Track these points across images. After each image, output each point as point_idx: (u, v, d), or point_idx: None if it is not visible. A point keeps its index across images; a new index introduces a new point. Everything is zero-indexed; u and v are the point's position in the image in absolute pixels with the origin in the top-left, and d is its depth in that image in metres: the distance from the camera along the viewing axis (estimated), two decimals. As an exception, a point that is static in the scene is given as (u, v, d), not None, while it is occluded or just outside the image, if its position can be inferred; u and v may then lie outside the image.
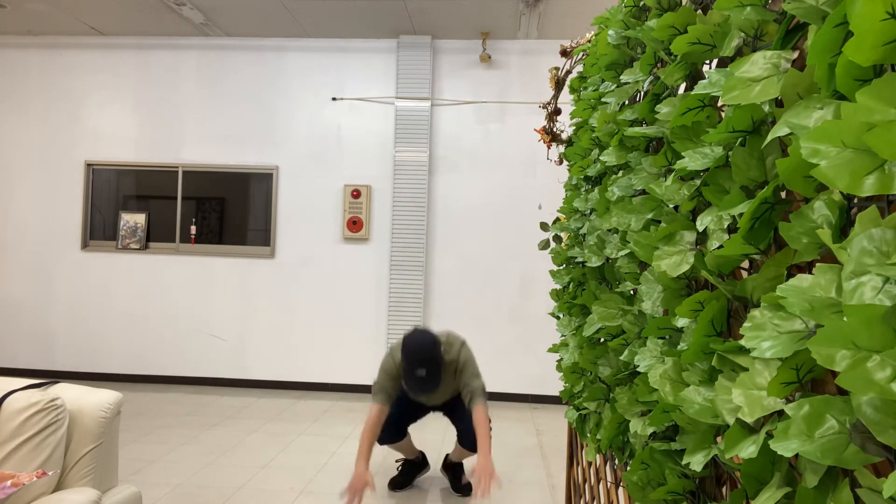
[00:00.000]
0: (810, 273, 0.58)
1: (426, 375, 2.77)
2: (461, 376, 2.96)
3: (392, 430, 3.19)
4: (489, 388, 5.52)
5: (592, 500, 2.08)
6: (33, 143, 5.94)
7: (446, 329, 3.16)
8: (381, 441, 3.17)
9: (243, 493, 3.27)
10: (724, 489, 0.90)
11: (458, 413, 3.22)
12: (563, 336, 2.01)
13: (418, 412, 3.34)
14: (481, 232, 5.65)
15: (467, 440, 3.11)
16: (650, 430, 1.02)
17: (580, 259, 1.71)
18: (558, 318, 2.16)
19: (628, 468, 1.06)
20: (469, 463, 3.45)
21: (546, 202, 5.56)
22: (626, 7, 1.36)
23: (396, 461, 3.53)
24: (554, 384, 5.44)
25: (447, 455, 3.48)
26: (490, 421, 2.92)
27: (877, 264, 0.48)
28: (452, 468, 3.43)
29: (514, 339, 5.58)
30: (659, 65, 1.19)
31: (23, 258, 5.91)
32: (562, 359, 1.99)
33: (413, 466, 3.47)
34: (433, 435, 4.21)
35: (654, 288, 1.05)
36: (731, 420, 0.69)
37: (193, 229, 5.85)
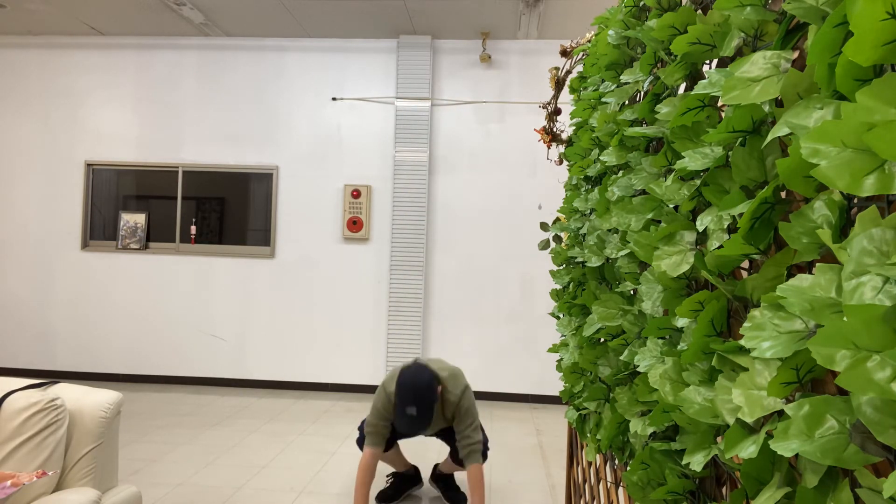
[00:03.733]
0: (810, 273, 0.58)
1: (416, 415, 2.55)
2: (459, 424, 2.77)
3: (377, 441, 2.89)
4: (489, 389, 5.56)
5: (592, 500, 2.08)
6: (33, 143, 5.94)
7: (453, 366, 2.92)
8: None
9: (243, 493, 3.27)
10: (724, 489, 0.90)
11: (452, 438, 2.99)
12: (563, 336, 2.01)
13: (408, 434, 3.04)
14: (481, 232, 5.65)
15: (459, 460, 2.91)
16: (650, 430, 1.02)
17: (580, 259, 1.71)
18: (558, 318, 2.16)
19: (628, 468, 1.06)
20: (460, 476, 3.39)
21: (546, 202, 5.56)
22: (626, 7, 1.36)
23: (387, 476, 3.34)
24: (554, 384, 5.44)
25: (436, 465, 3.34)
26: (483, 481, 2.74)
27: (877, 264, 0.48)
28: (444, 479, 3.28)
29: (514, 339, 5.58)
30: (659, 65, 1.19)
31: (23, 258, 5.91)
32: (562, 359, 1.99)
33: (404, 480, 3.29)
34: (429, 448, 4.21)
35: (654, 288, 1.05)
36: (731, 420, 0.69)
37: (193, 229, 5.85)
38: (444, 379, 2.79)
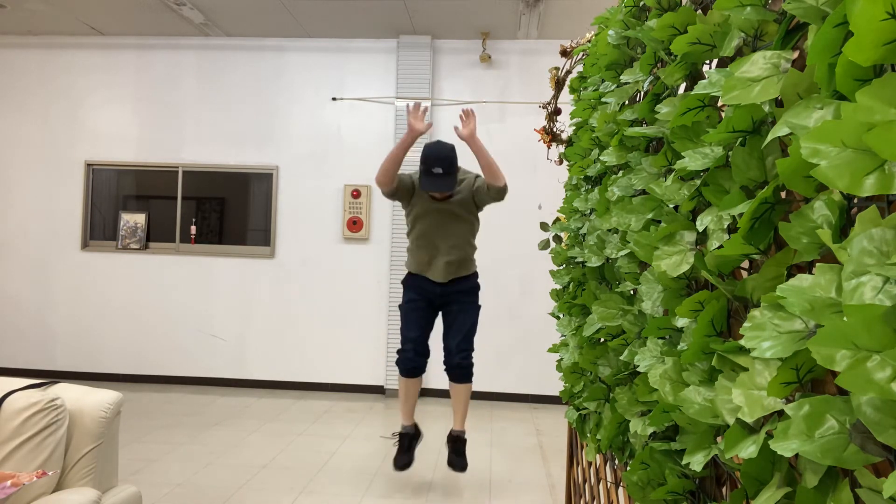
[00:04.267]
0: (810, 273, 0.58)
1: (443, 173, 3.01)
2: (478, 191, 3.24)
3: (415, 335, 3.26)
4: (489, 388, 5.55)
5: (592, 500, 2.08)
6: (33, 143, 5.94)
7: None
8: (407, 362, 3.26)
9: (243, 493, 3.27)
10: (724, 489, 0.91)
11: (456, 324, 3.32)
12: (563, 336, 2.01)
13: (430, 311, 3.40)
14: (481, 231, 5.63)
15: (452, 358, 3.26)
16: (650, 430, 1.02)
17: (580, 259, 1.71)
18: (558, 318, 2.16)
19: (628, 468, 1.06)
20: (479, 456, 3.48)
21: (546, 202, 5.56)
22: (626, 7, 1.36)
23: (392, 434, 3.54)
24: (554, 384, 5.43)
25: (451, 430, 3.50)
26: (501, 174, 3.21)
27: (877, 264, 0.48)
28: (454, 441, 3.44)
29: (514, 339, 5.58)
30: (659, 65, 1.19)
31: (23, 258, 5.91)
32: (562, 359, 1.99)
33: (410, 439, 3.47)
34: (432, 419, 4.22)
35: (654, 288, 1.05)
36: (731, 420, 0.69)
37: (193, 229, 5.85)
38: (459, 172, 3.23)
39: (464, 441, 3.44)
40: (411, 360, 3.28)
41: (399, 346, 3.34)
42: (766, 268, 0.72)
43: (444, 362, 3.34)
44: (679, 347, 0.93)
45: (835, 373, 0.59)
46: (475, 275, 3.48)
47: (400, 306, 3.44)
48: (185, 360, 5.80)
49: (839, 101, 0.57)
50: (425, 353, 3.35)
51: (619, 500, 1.64)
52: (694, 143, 0.90)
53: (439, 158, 3.03)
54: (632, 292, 1.34)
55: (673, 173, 0.99)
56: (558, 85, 2.73)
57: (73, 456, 1.90)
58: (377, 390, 5.66)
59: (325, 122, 5.77)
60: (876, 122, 0.46)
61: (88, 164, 5.91)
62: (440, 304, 3.41)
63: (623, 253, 1.27)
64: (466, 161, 3.43)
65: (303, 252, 5.75)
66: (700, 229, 0.85)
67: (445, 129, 5.68)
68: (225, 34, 5.77)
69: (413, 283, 3.44)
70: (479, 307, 3.42)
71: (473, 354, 3.31)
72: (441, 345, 3.38)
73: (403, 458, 3.40)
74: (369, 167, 5.74)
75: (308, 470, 3.65)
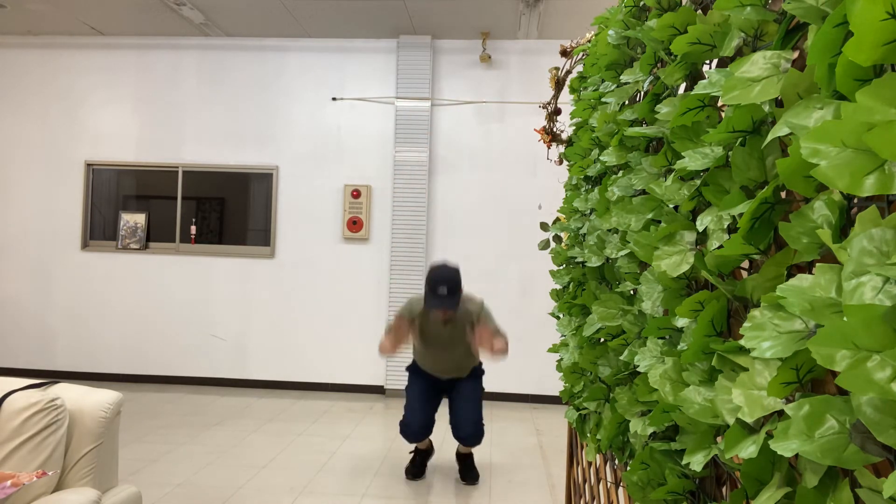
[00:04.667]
0: (810, 273, 0.58)
1: (447, 293, 3.09)
2: (485, 322, 3.28)
3: (419, 419, 3.40)
4: (489, 389, 5.54)
5: (592, 500, 2.08)
6: (33, 143, 5.94)
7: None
8: (410, 437, 3.43)
9: (243, 493, 3.27)
10: (724, 489, 0.91)
11: (460, 400, 3.46)
12: (563, 336, 2.01)
13: (435, 393, 3.53)
14: (481, 232, 5.65)
15: (461, 430, 3.40)
16: (650, 430, 1.02)
17: (580, 259, 1.71)
18: (558, 318, 2.16)
19: (628, 468, 1.06)
20: (479, 456, 3.65)
21: (546, 202, 5.56)
22: (626, 7, 1.36)
23: (410, 452, 3.68)
24: (554, 384, 5.43)
25: (458, 450, 3.65)
26: (506, 344, 3.28)
27: (877, 264, 0.48)
28: (463, 458, 3.60)
29: (514, 339, 5.55)
30: (659, 65, 1.19)
31: (23, 258, 5.91)
32: (562, 359, 1.99)
33: (425, 455, 3.65)
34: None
35: (654, 288, 1.05)
36: (731, 420, 0.69)
37: (193, 229, 5.85)
38: (462, 298, 3.25)
39: (472, 455, 3.59)
40: (415, 435, 3.45)
41: (403, 417, 3.47)
42: (766, 268, 0.72)
43: (454, 435, 3.46)
44: (679, 347, 0.93)
45: (835, 373, 0.59)
46: (479, 364, 3.64)
47: (406, 389, 3.59)
48: (185, 360, 5.80)
49: (839, 101, 0.57)
50: (430, 429, 3.50)
51: (619, 500, 1.64)
52: (694, 143, 0.90)
53: (444, 280, 3.13)
54: (632, 292, 1.34)
55: (673, 173, 0.99)
56: (558, 85, 2.73)
57: (73, 456, 1.90)
58: (377, 390, 5.66)
59: (325, 122, 5.77)
60: (876, 122, 0.46)
61: (88, 164, 5.91)
62: (445, 387, 3.56)
63: (623, 253, 1.27)
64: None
65: (303, 252, 5.75)
66: (700, 229, 0.85)
67: (446, 129, 5.69)
68: (225, 34, 5.77)
69: (418, 370, 3.59)
70: (482, 384, 3.62)
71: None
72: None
73: (415, 470, 3.57)
74: (369, 167, 5.75)
75: (308, 470, 3.65)
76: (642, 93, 1.32)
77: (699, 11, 1.00)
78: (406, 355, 5.55)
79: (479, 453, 3.99)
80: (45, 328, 5.89)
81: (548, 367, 5.47)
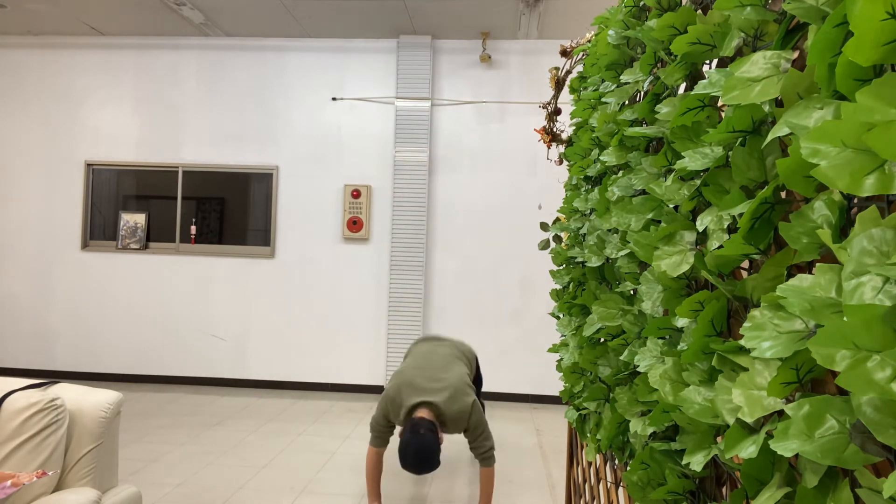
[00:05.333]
0: (810, 273, 0.58)
1: (419, 472, 2.71)
2: (471, 435, 2.89)
3: None
4: (489, 389, 5.55)
5: (592, 500, 2.08)
6: (33, 143, 5.94)
7: (458, 374, 2.95)
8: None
9: (243, 493, 3.27)
10: (724, 489, 0.90)
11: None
12: (563, 336, 2.01)
13: None
14: (481, 232, 5.65)
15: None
16: (650, 430, 1.02)
17: (580, 259, 1.71)
18: (558, 318, 2.16)
19: (628, 468, 1.06)
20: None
21: (546, 202, 5.56)
22: (626, 7, 1.36)
23: None
24: (554, 384, 5.44)
25: None
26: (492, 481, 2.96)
27: (877, 264, 0.48)
28: None
29: (514, 339, 5.58)
30: (659, 65, 1.19)
31: (23, 258, 5.91)
32: (562, 359, 1.99)
33: None
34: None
35: (654, 288, 1.05)
36: (731, 420, 0.69)
37: (193, 229, 5.85)
38: (444, 410, 2.78)
39: None
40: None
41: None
42: (766, 268, 0.72)
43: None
44: (679, 347, 0.93)
45: (835, 373, 0.59)
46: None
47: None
48: (185, 360, 5.80)
49: (839, 101, 0.57)
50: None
51: (619, 500, 1.64)
52: (694, 143, 0.90)
53: (416, 464, 2.66)
54: (632, 292, 1.34)
55: (673, 173, 0.99)
56: (558, 85, 2.73)
57: (73, 456, 1.90)
58: (377, 390, 5.66)
59: (325, 122, 5.77)
60: (876, 122, 0.46)
61: (88, 164, 5.91)
62: None
63: (623, 253, 1.26)
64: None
65: (303, 252, 5.75)
66: (700, 229, 0.85)
67: (446, 129, 5.69)
68: (225, 34, 5.77)
69: None
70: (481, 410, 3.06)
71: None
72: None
73: None
74: (369, 167, 5.75)
75: (308, 470, 3.65)
76: (642, 93, 1.32)
77: (699, 11, 1.00)
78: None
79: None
80: (45, 328, 5.89)
81: (548, 367, 5.48)
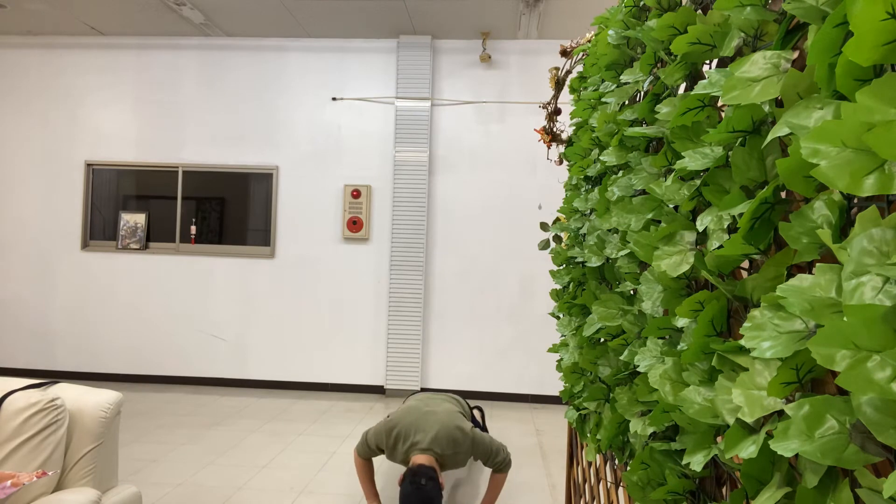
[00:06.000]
0: (810, 273, 0.58)
1: None
2: (483, 458, 2.90)
3: None
4: (489, 389, 5.56)
5: (592, 500, 2.08)
6: (33, 143, 5.94)
7: (453, 418, 2.88)
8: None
9: (243, 493, 3.27)
10: (724, 489, 0.90)
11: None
12: (563, 336, 2.01)
13: None
14: (481, 232, 5.65)
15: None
16: (650, 430, 1.02)
17: (580, 259, 1.71)
18: (558, 318, 2.16)
19: (628, 468, 1.06)
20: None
21: (546, 202, 5.56)
22: (626, 7, 1.36)
23: None
24: (554, 384, 5.44)
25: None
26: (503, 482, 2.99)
27: (877, 264, 0.48)
28: None
29: (514, 339, 5.58)
30: (659, 65, 1.19)
31: (23, 258, 5.91)
32: (562, 359, 1.99)
33: None
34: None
35: (654, 288, 1.05)
36: (731, 420, 0.69)
37: (193, 229, 5.85)
38: (442, 452, 2.76)
39: None
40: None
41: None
42: (766, 268, 0.72)
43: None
44: (679, 347, 0.93)
45: (835, 373, 0.59)
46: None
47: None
48: (185, 360, 5.80)
49: (839, 101, 0.57)
50: None
51: (619, 500, 1.64)
52: (694, 143, 0.90)
53: None
54: (632, 292, 1.34)
55: (673, 173, 0.99)
56: (558, 85, 2.73)
57: (73, 456, 1.90)
58: (377, 390, 5.66)
59: (325, 122, 5.77)
60: (876, 122, 0.46)
61: (88, 164, 5.91)
62: None
63: (623, 253, 1.26)
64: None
65: (303, 252, 5.75)
66: (700, 229, 0.85)
67: (446, 129, 5.69)
68: (225, 34, 5.77)
69: None
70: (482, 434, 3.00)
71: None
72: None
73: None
74: (369, 167, 5.75)
75: (308, 470, 3.65)
76: (642, 93, 1.32)
77: (699, 11, 1.00)
78: (407, 357, 5.58)
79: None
80: (45, 328, 5.89)
81: (548, 367, 5.48)
